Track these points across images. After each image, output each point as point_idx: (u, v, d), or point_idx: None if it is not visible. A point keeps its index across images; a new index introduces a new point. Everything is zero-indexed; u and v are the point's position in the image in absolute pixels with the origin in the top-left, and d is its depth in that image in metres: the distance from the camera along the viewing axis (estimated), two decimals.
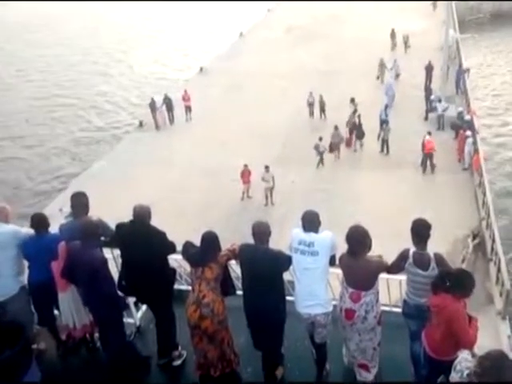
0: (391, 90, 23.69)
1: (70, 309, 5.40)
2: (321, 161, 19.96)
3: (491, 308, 11.52)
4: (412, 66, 27.41)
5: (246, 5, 55.88)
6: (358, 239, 4.68)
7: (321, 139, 19.82)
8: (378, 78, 27.43)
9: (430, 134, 19.07)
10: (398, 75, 27.14)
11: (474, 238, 14.30)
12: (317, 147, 19.75)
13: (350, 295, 4.76)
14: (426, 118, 22.55)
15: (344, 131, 20.84)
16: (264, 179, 17.64)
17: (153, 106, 24.74)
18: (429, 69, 24.93)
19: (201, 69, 33.36)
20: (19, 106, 34.21)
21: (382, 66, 27.27)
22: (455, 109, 21.45)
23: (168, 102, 25.00)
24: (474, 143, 18.25)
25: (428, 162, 18.60)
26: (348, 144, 21.16)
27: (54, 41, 51.69)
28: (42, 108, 33.96)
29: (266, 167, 17.60)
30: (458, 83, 24.76)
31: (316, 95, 23.79)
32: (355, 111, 21.57)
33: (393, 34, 31.89)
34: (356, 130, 20.90)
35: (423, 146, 18.56)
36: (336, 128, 20.36)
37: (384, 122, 20.55)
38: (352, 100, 22.24)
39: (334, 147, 20.26)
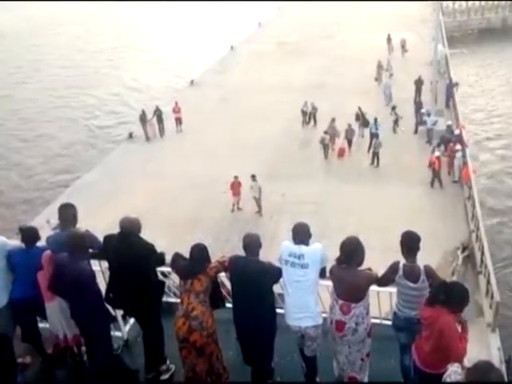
0: (388, 90, 25.82)
1: (59, 319, 5.32)
2: (325, 152, 21.20)
3: (481, 320, 11.53)
4: (402, 80, 27.70)
5: (238, 18, 56.45)
6: (352, 249, 4.68)
7: (326, 132, 21.21)
8: (376, 79, 28.97)
9: (438, 145, 19.28)
10: (391, 75, 29.40)
11: (464, 250, 14.35)
12: (322, 140, 21.05)
13: (340, 307, 4.73)
14: (416, 132, 22.73)
15: (342, 142, 21.76)
16: (252, 188, 17.80)
17: (143, 118, 24.73)
18: (418, 83, 25.19)
19: (191, 81, 33.47)
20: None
21: (379, 67, 29.02)
22: (444, 122, 21.65)
23: (158, 114, 25.01)
24: (464, 156, 18.41)
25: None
26: (341, 154, 21.53)
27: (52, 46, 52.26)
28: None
29: (253, 176, 17.73)
30: (447, 97, 25.02)
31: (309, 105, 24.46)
32: (397, 120, 22.53)
33: (389, 39, 33.61)
34: (361, 119, 22.26)
35: None
36: (333, 120, 21.74)
37: (374, 135, 20.72)
38: (393, 108, 22.83)
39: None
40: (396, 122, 22.75)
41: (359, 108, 22.63)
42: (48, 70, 45.00)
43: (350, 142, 21.74)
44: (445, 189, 18.27)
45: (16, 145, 29.66)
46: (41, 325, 5.69)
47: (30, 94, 38.52)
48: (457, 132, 20.09)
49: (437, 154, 18.49)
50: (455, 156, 18.51)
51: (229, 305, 5.14)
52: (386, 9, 42.79)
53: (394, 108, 22.94)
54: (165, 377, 5.50)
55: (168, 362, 5.54)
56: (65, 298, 5.12)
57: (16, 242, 5.42)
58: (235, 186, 18.04)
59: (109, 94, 37.70)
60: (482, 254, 13.38)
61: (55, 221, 5.66)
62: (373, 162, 20.48)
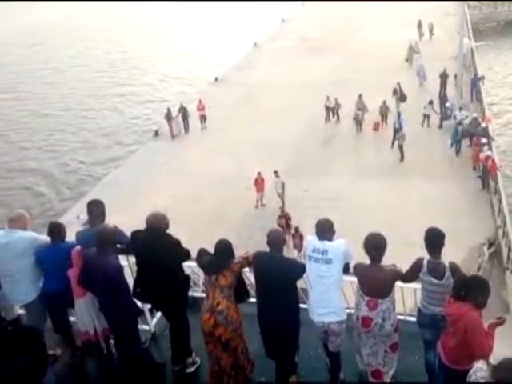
0: (422, 71, 26.96)
1: (90, 313, 5.44)
2: (359, 128, 23.00)
3: (507, 317, 11.32)
4: (427, 74, 27.33)
5: (262, 15, 56.39)
6: (378, 245, 4.69)
7: (359, 109, 22.94)
8: (406, 60, 30.84)
9: (486, 144, 18.04)
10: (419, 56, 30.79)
11: (490, 246, 14.14)
12: (356, 116, 22.87)
13: (366, 303, 4.74)
14: (441, 126, 22.41)
15: (377, 118, 23.11)
16: (276, 184, 17.95)
17: (169, 115, 25.01)
18: (443, 77, 24.81)
19: (216, 78, 33.62)
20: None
21: (410, 49, 30.84)
22: (470, 116, 21.26)
23: (183, 112, 25.26)
24: (490, 150, 18.05)
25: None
26: (375, 128, 22.80)
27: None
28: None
29: (275, 172, 17.87)
30: (472, 91, 24.62)
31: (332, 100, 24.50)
32: (428, 115, 22.82)
33: (419, 25, 35.40)
34: (398, 94, 23.65)
35: None
36: (360, 96, 23.20)
37: (398, 130, 20.53)
38: (430, 102, 22.85)
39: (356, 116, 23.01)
40: (426, 116, 22.53)
41: (398, 83, 23.55)
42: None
43: (384, 118, 22.92)
44: (470, 183, 17.93)
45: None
46: (71, 318, 5.84)
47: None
48: (483, 125, 19.75)
49: (488, 153, 17.58)
50: (481, 150, 18.16)
51: (253, 299, 5.19)
52: (410, 3, 42.16)
53: (431, 102, 22.62)
54: (190, 369, 5.58)
55: (194, 354, 5.63)
56: (94, 292, 5.23)
57: (45, 238, 5.55)
58: (259, 183, 18.15)
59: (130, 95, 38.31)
60: (509, 249, 13.17)
61: (85, 216, 5.79)
62: (402, 158, 20.23)
